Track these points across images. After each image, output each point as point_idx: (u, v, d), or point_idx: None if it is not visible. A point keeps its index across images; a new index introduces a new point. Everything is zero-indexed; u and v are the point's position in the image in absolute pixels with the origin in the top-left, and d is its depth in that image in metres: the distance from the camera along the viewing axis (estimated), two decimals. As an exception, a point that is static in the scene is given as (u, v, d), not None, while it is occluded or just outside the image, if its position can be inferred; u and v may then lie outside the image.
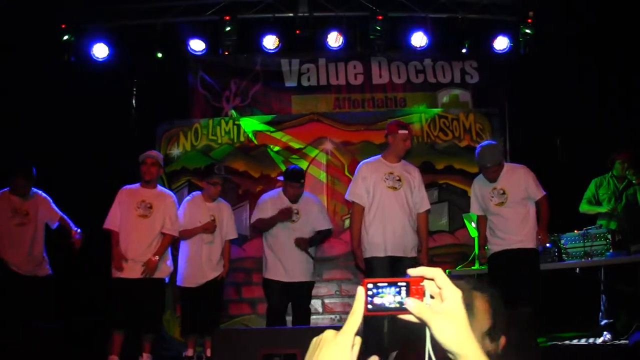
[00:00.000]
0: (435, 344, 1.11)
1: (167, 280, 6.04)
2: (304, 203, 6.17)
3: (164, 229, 5.95)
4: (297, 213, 6.10)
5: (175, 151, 7.66)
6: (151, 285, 5.85)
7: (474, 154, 7.44)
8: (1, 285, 5.86)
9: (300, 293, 6.10)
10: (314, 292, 7.21)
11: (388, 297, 1.11)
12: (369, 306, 1.11)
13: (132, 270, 5.80)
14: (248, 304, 7.33)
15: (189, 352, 6.12)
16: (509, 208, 5.77)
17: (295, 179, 6.10)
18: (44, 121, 7.31)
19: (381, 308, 1.11)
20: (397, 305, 1.10)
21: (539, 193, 5.82)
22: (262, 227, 6.20)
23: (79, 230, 6.14)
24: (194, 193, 6.45)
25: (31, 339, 5.23)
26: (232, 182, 7.35)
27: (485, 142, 6.07)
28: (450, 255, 7.36)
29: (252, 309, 7.27)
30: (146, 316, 5.81)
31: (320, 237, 6.36)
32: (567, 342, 6.32)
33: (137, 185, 6.06)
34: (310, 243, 6.14)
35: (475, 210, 6.07)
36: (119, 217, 5.92)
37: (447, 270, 6.80)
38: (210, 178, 6.25)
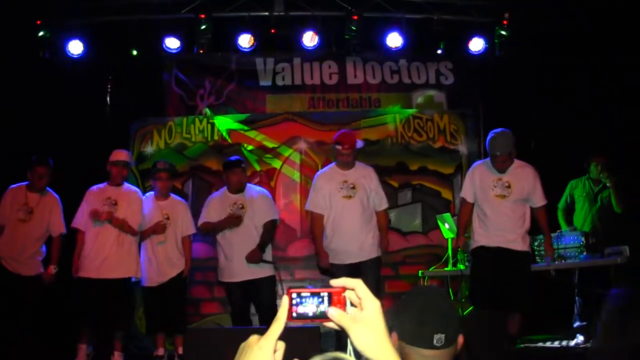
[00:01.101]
0: (356, 350, 1.14)
1: (134, 279, 5.90)
2: (248, 195, 5.87)
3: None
4: (242, 207, 5.77)
5: (149, 149, 7.39)
6: (115, 285, 5.74)
7: (448, 155, 7.26)
8: None
9: (258, 290, 5.76)
10: (285, 291, 6.93)
11: (311, 307, 1.15)
12: (294, 314, 1.14)
13: (97, 270, 5.71)
14: (219, 303, 7.05)
15: (160, 352, 5.93)
16: (509, 204, 5.34)
17: (234, 165, 5.88)
18: (17, 118, 7.04)
19: (304, 316, 1.15)
20: (320, 313, 1.15)
21: (542, 200, 5.46)
22: (209, 231, 5.96)
23: (56, 268, 5.90)
24: (147, 194, 6.24)
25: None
26: (204, 181, 7.12)
27: (497, 129, 5.42)
28: (423, 256, 7.11)
29: (223, 308, 6.97)
30: (112, 314, 5.73)
31: (268, 235, 5.91)
32: (540, 344, 6.09)
33: (105, 184, 5.97)
34: (262, 249, 5.79)
35: (468, 195, 5.52)
36: (85, 216, 5.83)
37: (419, 272, 6.56)
38: (154, 173, 6.10)
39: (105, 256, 5.72)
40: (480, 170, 5.47)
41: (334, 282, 1.16)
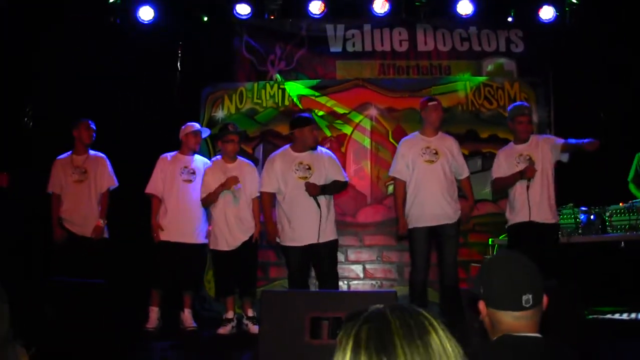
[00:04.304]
0: None
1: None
2: (315, 157, 5.24)
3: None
4: (309, 168, 5.16)
5: (220, 114, 6.95)
6: (195, 248, 5.58)
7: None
8: (56, 243, 5.57)
9: (319, 256, 5.16)
10: (355, 257, 6.59)
11: None
12: None
13: (178, 233, 5.51)
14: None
15: (229, 314, 5.54)
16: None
17: (310, 121, 5.34)
18: (90, 84, 6.67)
19: None
20: None
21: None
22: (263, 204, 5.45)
23: (104, 222, 5.62)
24: (213, 158, 5.81)
25: (73, 294, 4.63)
26: (275, 146, 6.64)
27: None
28: (493, 224, 6.58)
29: (292, 272, 6.52)
30: (187, 276, 5.58)
31: (335, 186, 5.26)
32: (608, 316, 5.58)
33: (175, 152, 5.71)
34: (324, 190, 5.14)
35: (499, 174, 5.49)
36: (161, 183, 5.58)
37: (489, 239, 6.14)
38: (224, 136, 5.58)
39: (187, 221, 5.52)
40: (505, 153, 5.47)
41: None
